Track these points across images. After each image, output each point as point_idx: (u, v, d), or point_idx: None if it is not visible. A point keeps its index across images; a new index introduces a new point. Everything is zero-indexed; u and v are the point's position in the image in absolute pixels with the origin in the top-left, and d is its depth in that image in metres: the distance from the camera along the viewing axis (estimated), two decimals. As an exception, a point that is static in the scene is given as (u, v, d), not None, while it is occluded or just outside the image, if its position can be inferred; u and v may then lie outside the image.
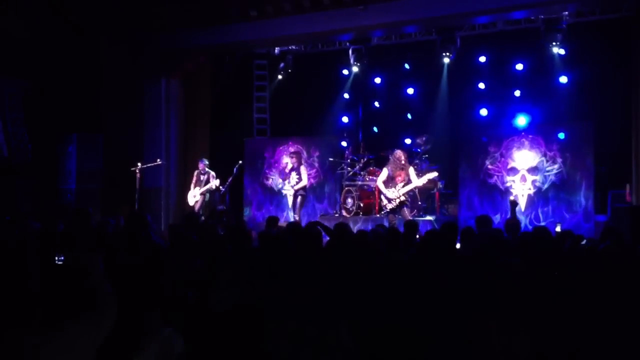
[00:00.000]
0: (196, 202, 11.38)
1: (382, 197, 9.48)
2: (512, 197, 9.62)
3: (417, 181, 9.24)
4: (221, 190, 11.31)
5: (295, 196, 10.87)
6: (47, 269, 1.42)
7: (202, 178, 11.38)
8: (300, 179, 10.81)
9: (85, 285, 1.36)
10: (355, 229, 8.99)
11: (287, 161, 11.38)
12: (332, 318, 2.81)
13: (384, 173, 9.44)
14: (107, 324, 1.36)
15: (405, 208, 9.33)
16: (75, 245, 4.50)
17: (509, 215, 9.78)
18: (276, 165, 12.73)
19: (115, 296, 1.41)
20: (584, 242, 5.69)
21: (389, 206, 9.30)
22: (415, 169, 10.06)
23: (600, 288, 3.32)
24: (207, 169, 11.46)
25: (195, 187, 11.45)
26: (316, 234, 5.20)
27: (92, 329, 1.32)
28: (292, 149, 12.02)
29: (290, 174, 11.04)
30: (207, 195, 11.54)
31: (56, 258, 3.14)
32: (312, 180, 12.62)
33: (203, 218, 10.30)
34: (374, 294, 3.22)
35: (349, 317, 2.87)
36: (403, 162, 9.31)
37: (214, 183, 11.20)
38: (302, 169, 11.00)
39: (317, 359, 2.69)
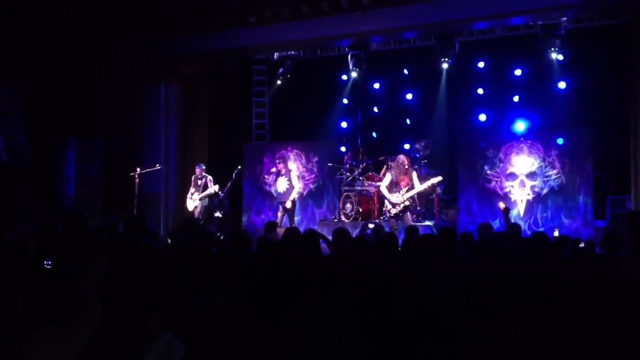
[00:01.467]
0: (195, 207, 11.36)
1: (386, 202, 9.52)
2: (502, 205, 9.20)
3: (421, 186, 9.28)
4: (220, 196, 11.29)
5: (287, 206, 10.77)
6: (34, 272, 1.43)
7: (199, 183, 11.36)
8: (291, 186, 10.72)
9: (69, 289, 1.36)
10: (354, 234, 8.99)
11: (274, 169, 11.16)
12: (336, 322, 2.81)
13: (387, 178, 9.49)
14: (90, 329, 1.36)
15: (408, 213, 9.38)
16: (70, 250, 4.49)
17: (503, 223, 9.73)
18: (275, 170, 12.73)
19: (100, 301, 1.41)
20: (581, 244, 5.70)
21: (393, 211, 9.34)
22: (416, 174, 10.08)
23: (598, 293, 3.32)
24: (204, 174, 11.43)
25: (193, 192, 11.44)
26: (314, 238, 5.20)
27: (76, 333, 1.32)
28: (277, 155, 11.69)
29: (278, 180, 10.93)
30: (207, 200, 11.52)
31: (45, 262, 3.14)
32: (310, 186, 12.62)
33: (202, 223, 10.27)
34: (373, 298, 3.22)
35: (353, 321, 2.87)
36: (406, 167, 9.35)
37: (213, 188, 11.18)
38: (293, 175, 10.94)
39: None
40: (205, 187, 11.27)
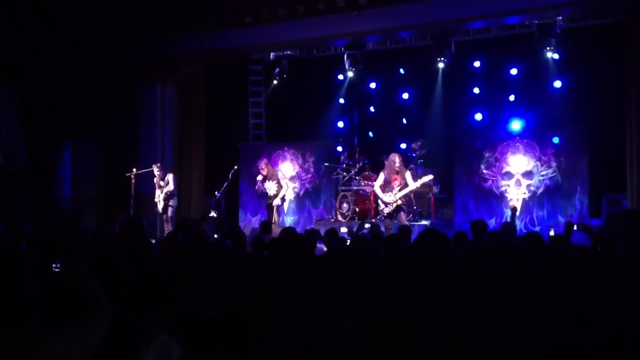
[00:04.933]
0: (162, 207, 11.03)
1: (379, 201, 9.49)
2: (512, 204, 9.48)
3: (413, 185, 9.26)
4: (217, 196, 11.27)
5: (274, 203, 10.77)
6: (42, 273, 1.43)
7: (161, 183, 10.98)
8: (280, 187, 10.74)
9: (78, 290, 1.37)
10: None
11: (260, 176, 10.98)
12: (335, 317, 2.82)
13: (381, 177, 9.46)
14: (101, 329, 1.36)
15: (402, 212, 9.33)
16: (66, 250, 4.49)
17: (507, 220, 9.77)
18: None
19: (109, 301, 1.42)
20: (575, 227, 5.77)
21: (386, 210, 9.29)
22: (411, 174, 10.08)
23: (597, 293, 3.33)
24: (162, 171, 11.06)
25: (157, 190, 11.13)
26: (312, 238, 5.21)
27: (86, 334, 1.33)
28: (262, 164, 11.16)
29: (265, 184, 10.86)
30: (176, 200, 11.06)
31: (53, 265, 3.13)
32: (307, 185, 12.63)
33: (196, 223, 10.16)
34: (372, 295, 3.22)
35: (350, 315, 2.88)
36: (397, 165, 9.29)
37: (170, 185, 10.87)
38: (280, 175, 10.95)
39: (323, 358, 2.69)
40: (167, 185, 10.92)
